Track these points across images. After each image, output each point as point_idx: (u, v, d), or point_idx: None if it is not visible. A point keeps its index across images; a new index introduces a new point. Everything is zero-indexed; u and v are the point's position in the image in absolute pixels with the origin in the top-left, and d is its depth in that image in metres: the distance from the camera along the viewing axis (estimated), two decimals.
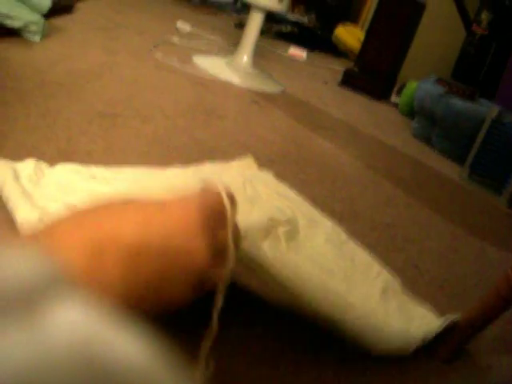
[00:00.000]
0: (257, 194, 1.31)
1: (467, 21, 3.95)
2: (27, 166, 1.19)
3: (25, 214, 0.99)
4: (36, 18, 2.23)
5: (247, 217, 1.06)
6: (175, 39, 3.22)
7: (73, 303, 0.21)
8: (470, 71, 3.80)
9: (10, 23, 2.12)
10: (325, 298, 0.98)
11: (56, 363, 0.18)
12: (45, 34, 2.30)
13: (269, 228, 1.12)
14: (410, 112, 3.33)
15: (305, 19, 4.95)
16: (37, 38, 2.24)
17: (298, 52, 4.17)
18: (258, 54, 3.14)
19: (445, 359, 1.13)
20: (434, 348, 1.14)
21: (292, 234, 1.19)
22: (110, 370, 0.19)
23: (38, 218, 0.95)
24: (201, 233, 0.42)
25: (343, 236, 1.39)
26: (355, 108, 3.26)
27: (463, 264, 1.63)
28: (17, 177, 1.13)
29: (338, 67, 4.22)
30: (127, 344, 0.21)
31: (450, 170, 2.65)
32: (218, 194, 0.48)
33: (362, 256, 1.33)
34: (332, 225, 1.42)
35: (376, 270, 1.28)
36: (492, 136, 2.51)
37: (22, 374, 0.17)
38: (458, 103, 2.73)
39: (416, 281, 1.42)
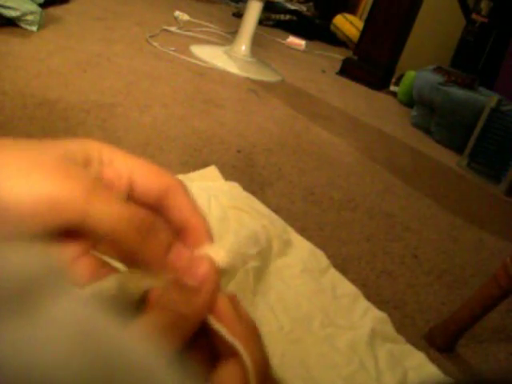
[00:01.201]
0: (224, 215, 1.16)
1: (467, 9, 3.93)
2: None
3: None
4: (33, 7, 2.22)
5: None
6: (173, 29, 3.20)
7: (72, 295, 0.21)
8: (470, 60, 3.79)
9: (7, 13, 2.10)
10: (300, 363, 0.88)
11: (56, 357, 0.18)
12: (42, 24, 2.29)
13: (238, 264, 1.02)
14: (409, 101, 3.32)
15: (303, 8, 4.92)
16: (34, 28, 2.22)
17: (296, 41, 4.16)
18: (257, 43, 3.13)
19: (443, 348, 1.14)
20: (432, 336, 1.14)
21: (262, 269, 1.08)
22: (113, 363, 0.19)
23: None
24: None
25: (323, 262, 1.25)
26: (354, 97, 3.25)
27: (462, 253, 1.64)
28: None
29: (336, 56, 4.20)
30: (129, 336, 0.21)
31: (448, 158, 2.65)
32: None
33: (345, 287, 1.19)
34: (310, 247, 1.28)
35: (363, 306, 1.15)
36: (491, 125, 2.50)
37: (21, 370, 0.17)
38: (456, 92, 2.72)
39: (415, 270, 1.43)
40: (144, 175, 0.33)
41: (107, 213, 0.28)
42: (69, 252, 0.31)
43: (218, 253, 0.32)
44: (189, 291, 0.30)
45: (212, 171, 1.48)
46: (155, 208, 0.33)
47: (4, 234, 0.27)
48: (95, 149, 0.32)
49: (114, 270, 0.32)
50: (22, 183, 0.27)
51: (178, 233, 0.33)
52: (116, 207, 0.29)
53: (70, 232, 0.30)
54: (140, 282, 0.31)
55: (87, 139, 0.32)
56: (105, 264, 0.32)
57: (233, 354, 0.30)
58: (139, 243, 0.30)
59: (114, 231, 0.29)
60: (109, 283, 0.30)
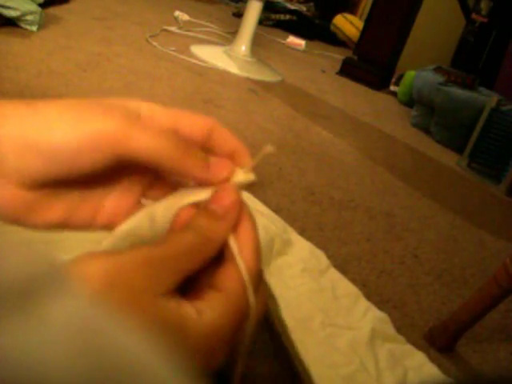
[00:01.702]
0: None
1: (467, 9, 3.93)
2: None
3: None
4: (33, 7, 2.21)
5: None
6: (173, 29, 3.20)
7: (72, 295, 0.20)
8: (470, 60, 3.79)
9: (6, 13, 2.10)
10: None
11: (56, 359, 0.18)
12: (42, 24, 2.29)
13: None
14: (409, 101, 3.32)
15: (303, 8, 4.92)
16: (34, 28, 2.22)
17: (296, 41, 4.15)
18: (257, 43, 3.12)
19: (443, 347, 1.14)
20: (432, 336, 1.14)
21: (262, 269, 1.08)
22: (114, 364, 0.19)
23: None
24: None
25: (323, 262, 1.25)
26: (354, 97, 3.25)
27: (462, 253, 1.64)
28: None
29: (336, 56, 4.20)
30: (130, 337, 0.21)
31: (448, 158, 2.65)
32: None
33: (345, 287, 1.19)
34: (310, 247, 1.28)
35: (363, 306, 1.14)
36: (491, 125, 2.50)
37: (21, 372, 0.17)
38: (456, 92, 2.72)
39: (415, 270, 1.43)
40: (187, 120, 0.35)
41: (148, 137, 0.31)
42: (139, 184, 0.35)
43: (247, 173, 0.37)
44: (215, 217, 0.32)
45: None
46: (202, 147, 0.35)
47: (60, 174, 0.30)
48: (133, 104, 0.34)
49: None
50: (67, 125, 0.30)
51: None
52: (155, 132, 0.32)
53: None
54: (179, 201, 0.33)
55: (125, 98, 0.34)
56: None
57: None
58: (181, 157, 0.32)
59: (155, 152, 0.31)
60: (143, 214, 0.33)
